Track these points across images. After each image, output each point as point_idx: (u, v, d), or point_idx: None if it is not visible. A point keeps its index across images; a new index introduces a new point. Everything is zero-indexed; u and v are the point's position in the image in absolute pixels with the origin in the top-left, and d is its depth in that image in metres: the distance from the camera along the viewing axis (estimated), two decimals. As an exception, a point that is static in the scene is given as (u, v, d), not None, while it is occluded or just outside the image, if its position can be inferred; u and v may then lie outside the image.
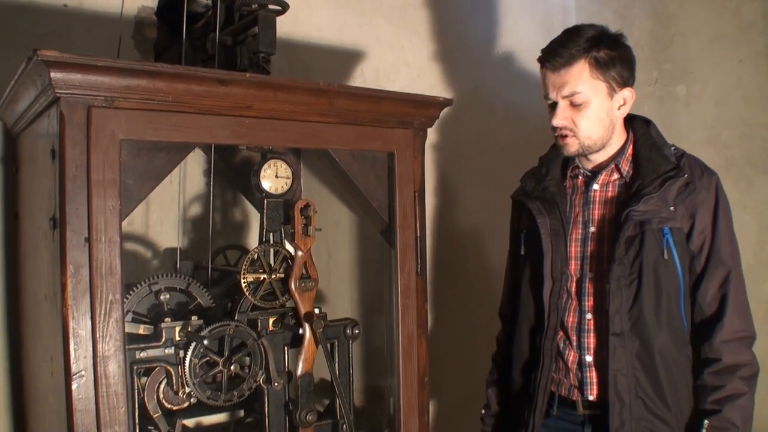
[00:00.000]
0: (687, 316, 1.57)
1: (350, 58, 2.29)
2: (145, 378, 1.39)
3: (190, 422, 1.50)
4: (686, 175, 1.55)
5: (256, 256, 1.50)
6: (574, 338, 1.63)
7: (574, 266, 1.64)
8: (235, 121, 1.35)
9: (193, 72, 1.27)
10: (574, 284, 1.64)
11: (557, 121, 1.58)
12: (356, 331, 1.61)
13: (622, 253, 1.54)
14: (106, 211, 1.19)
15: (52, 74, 1.13)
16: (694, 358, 1.58)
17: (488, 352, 1.93)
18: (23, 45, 1.54)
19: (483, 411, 1.88)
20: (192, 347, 1.38)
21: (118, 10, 1.80)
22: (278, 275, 1.52)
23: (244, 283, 1.47)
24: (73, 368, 1.17)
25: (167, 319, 1.40)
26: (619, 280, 1.54)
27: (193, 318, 1.42)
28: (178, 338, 1.40)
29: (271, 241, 1.54)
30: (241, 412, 1.62)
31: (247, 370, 1.46)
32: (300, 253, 1.52)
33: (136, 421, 1.34)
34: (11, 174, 1.66)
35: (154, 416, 1.39)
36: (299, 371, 1.51)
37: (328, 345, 1.59)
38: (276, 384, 1.48)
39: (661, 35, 2.51)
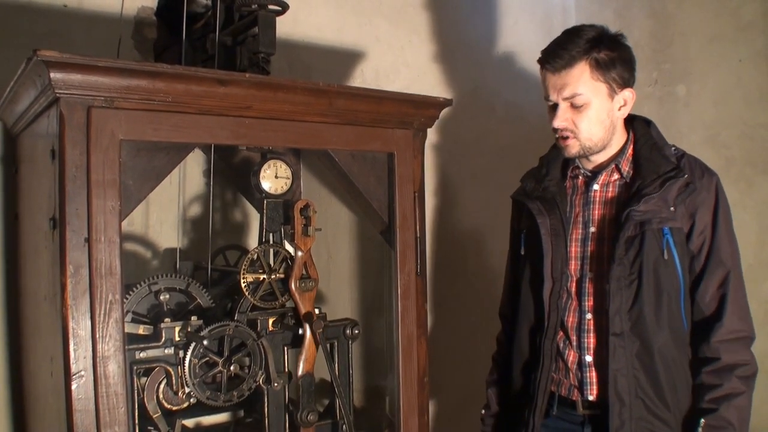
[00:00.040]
0: (687, 317, 1.57)
1: (350, 58, 2.29)
2: (145, 378, 1.39)
3: (189, 422, 1.50)
4: (686, 176, 1.55)
5: (255, 257, 1.50)
6: (574, 338, 1.63)
7: (574, 266, 1.64)
8: (234, 122, 1.34)
9: (193, 72, 1.27)
10: (574, 284, 1.64)
11: (558, 123, 1.58)
12: (356, 332, 1.61)
13: (622, 253, 1.54)
14: (105, 211, 1.19)
15: (52, 74, 1.13)
16: (692, 357, 1.58)
17: (488, 352, 1.93)
18: (23, 45, 1.54)
19: (483, 411, 1.88)
20: (192, 347, 1.38)
21: (118, 10, 1.80)
22: (278, 275, 1.52)
23: (244, 283, 1.47)
24: (73, 368, 1.17)
25: (167, 320, 1.40)
26: (619, 280, 1.54)
27: (193, 318, 1.42)
28: (177, 338, 1.40)
29: (271, 242, 1.54)
30: (241, 412, 1.62)
31: (246, 371, 1.46)
32: (300, 253, 1.52)
33: (136, 421, 1.34)
34: (11, 174, 1.66)
35: (154, 416, 1.39)
36: (300, 371, 1.51)
37: (328, 345, 1.59)
38: (276, 384, 1.48)
39: (661, 35, 2.51)
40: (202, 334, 1.38)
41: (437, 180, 2.49)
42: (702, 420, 1.51)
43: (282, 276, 1.52)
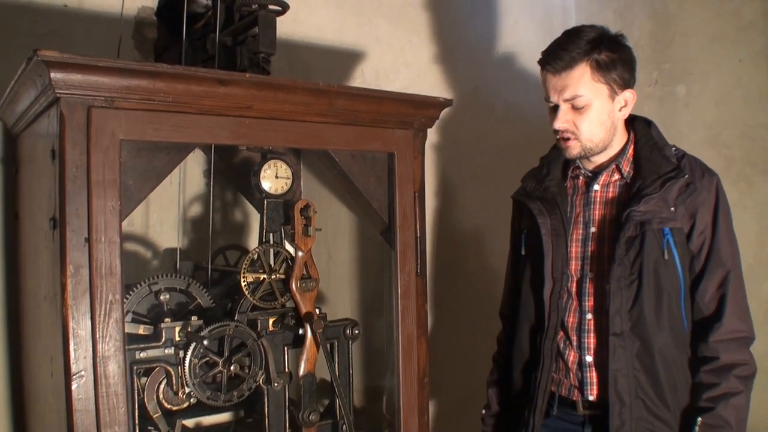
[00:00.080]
0: (687, 317, 1.57)
1: (350, 58, 2.29)
2: (145, 378, 1.39)
3: (189, 422, 1.50)
4: (687, 176, 1.55)
5: (256, 257, 1.50)
6: (574, 338, 1.63)
7: (574, 266, 1.64)
8: (235, 122, 1.34)
9: (193, 72, 1.27)
10: (574, 284, 1.64)
11: (559, 125, 1.58)
12: (356, 332, 1.61)
13: (623, 253, 1.54)
14: (106, 211, 1.19)
15: (52, 74, 1.13)
16: (692, 357, 1.58)
17: (488, 352, 1.93)
18: (23, 45, 1.54)
19: (483, 411, 1.88)
20: (192, 347, 1.38)
21: (118, 11, 1.80)
22: (278, 275, 1.52)
23: (244, 283, 1.48)
24: (73, 368, 1.17)
25: (167, 320, 1.40)
26: (619, 280, 1.54)
27: (193, 318, 1.42)
28: (177, 338, 1.40)
29: (271, 242, 1.54)
30: (242, 413, 1.62)
31: (246, 371, 1.46)
32: (300, 253, 1.52)
33: (136, 421, 1.34)
34: (11, 174, 1.66)
35: (154, 416, 1.39)
36: (301, 371, 1.51)
37: (328, 345, 1.59)
38: (276, 384, 1.48)
39: (661, 35, 2.51)
40: (202, 334, 1.38)
41: (437, 180, 2.49)
42: (699, 419, 1.51)
43: (282, 276, 1.52)
